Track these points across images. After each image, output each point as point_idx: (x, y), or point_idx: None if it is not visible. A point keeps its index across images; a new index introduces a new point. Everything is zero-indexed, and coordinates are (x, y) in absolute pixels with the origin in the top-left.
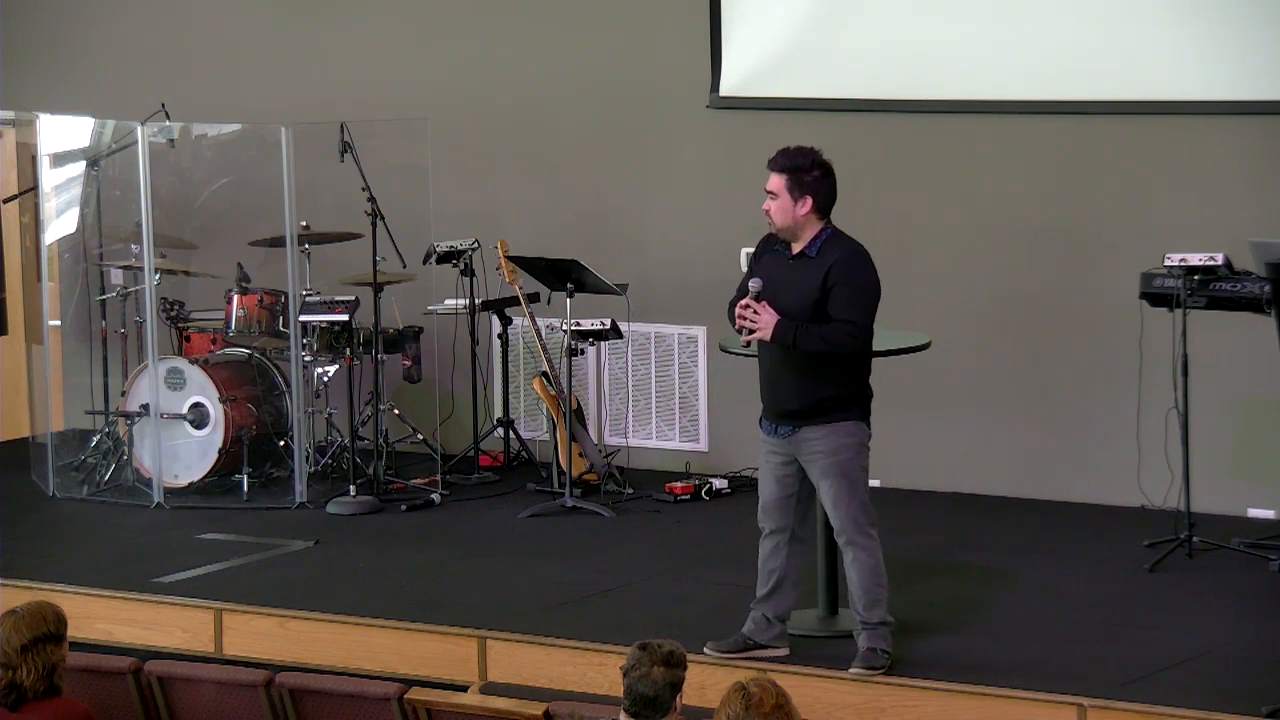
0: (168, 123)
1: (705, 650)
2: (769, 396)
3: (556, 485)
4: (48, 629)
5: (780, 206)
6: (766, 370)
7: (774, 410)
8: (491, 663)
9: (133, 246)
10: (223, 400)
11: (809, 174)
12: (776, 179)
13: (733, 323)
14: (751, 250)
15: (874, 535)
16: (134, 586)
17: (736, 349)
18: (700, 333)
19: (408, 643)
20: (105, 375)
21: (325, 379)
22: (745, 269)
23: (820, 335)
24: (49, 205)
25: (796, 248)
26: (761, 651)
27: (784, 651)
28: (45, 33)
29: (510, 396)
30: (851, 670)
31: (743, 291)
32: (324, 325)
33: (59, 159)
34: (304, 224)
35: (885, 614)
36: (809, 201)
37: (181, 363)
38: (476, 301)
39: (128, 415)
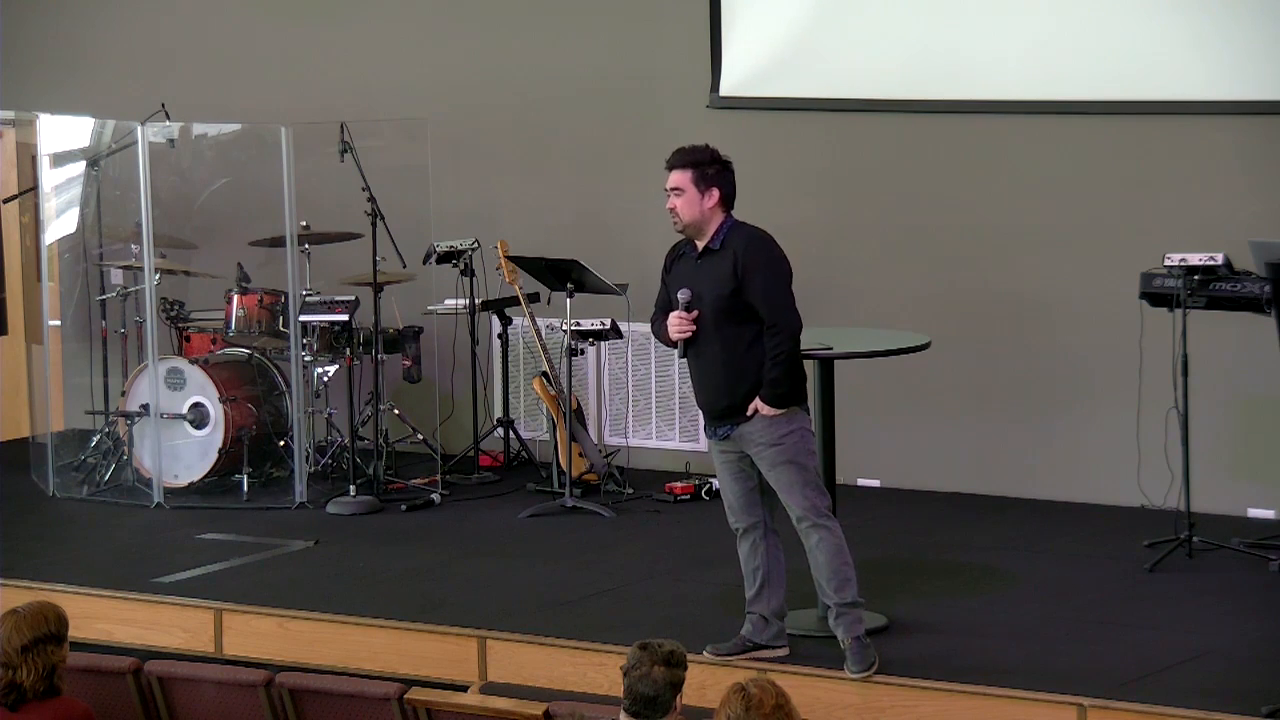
0: (168, 123)
1: (705, 653)
2: (704, 400)
3: (556, 485)
4: (49, 629)
5: (687, 201)
6: (698, 375)
7: (711, 412)
8: (491, 663)
9: (133, 246)
10: (223, 400)
11: (710, 168)
12: (680, 175)
13: (662, 339)
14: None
15: (832, 516)
16: (134, 586)
17: None
18: None
19: (408, 643)
20: (105, 375)
21: (325, 379)
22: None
23: (772, 361)
24: (49, 205)
25: (701, 244)
26: (761, 652)
27: (784, 651)
28: (45, 33)
29: (510, 396)
30: (849, 672)
31: (663, 307)
32: (324, 325)
33: (59, 159)
34: (304, 224)
35: (856, 593)
36: (715, 194)
37: (181, 363)
38: (476, 301)
39: (128, 415)
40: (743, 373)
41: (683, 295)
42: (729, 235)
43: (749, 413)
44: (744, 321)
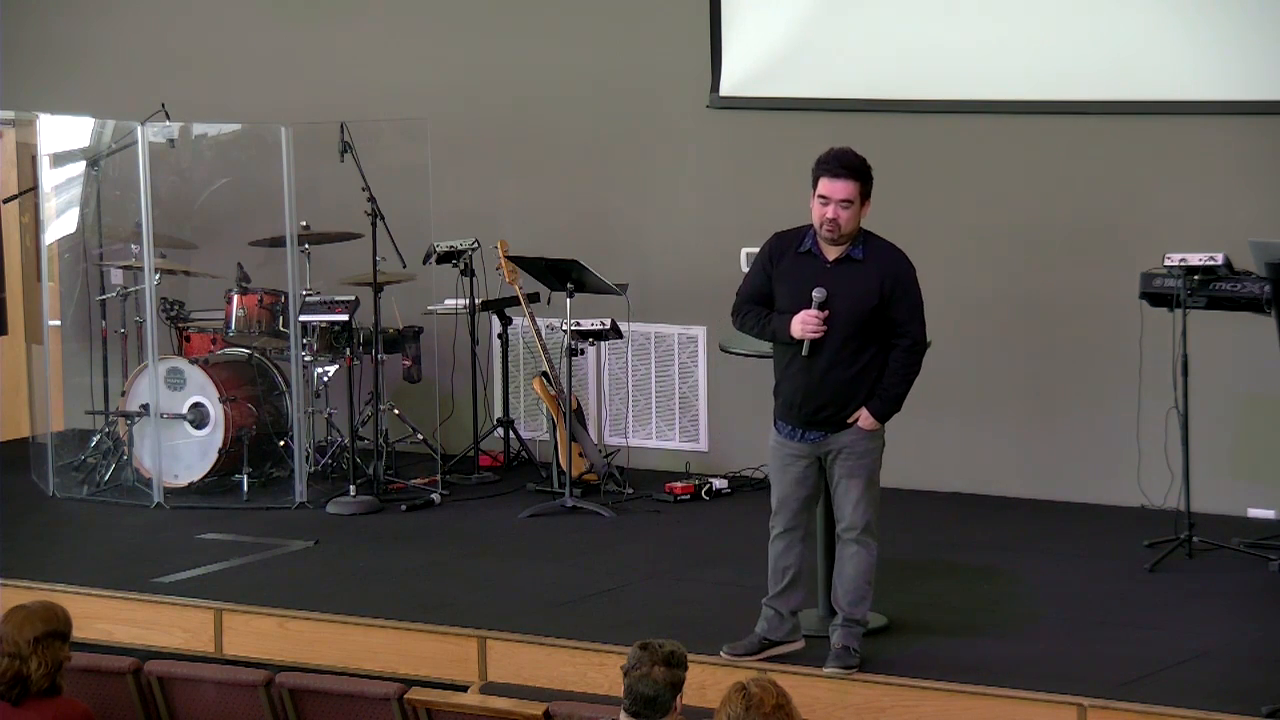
0: (168, 123)
1: (722, 653)
2: (805, 404)
3: (556, 485)
4: (58, 625)
5: (854, 214)
6: (805, 380)
7: (812, 418)
8: (491, 663)
9: (133, 246)
10: (223, 400)
11: (871, 179)
12: (851, 186)
13: (744, 328)
14: (754, 250)
15: (877, 536)
16: (134, 586)
17: (737, 349)
18: (700, 333)
19: (408, 643)
20: (105, 375)
21: (325, 379)
22: (747, 268)
23: (902, 377)
24: (49, 205)
25: (836, 252)
26: (777, 649)
27: (800, 645)
28: (45, 33)
29: (510, 396)
30: (826, 669)
31: (756, 297)
32: (324, 325)
33: (59, 159)
34: (304, 224)
35: (866, 612)
36: (868, 207)
37: (181, 363)
38: (476, 301)
39: (128, 415)
40: (860, 386)
41: (819, 294)
42: (868, 245)
43: (849, 421)
44: (874, 336)
